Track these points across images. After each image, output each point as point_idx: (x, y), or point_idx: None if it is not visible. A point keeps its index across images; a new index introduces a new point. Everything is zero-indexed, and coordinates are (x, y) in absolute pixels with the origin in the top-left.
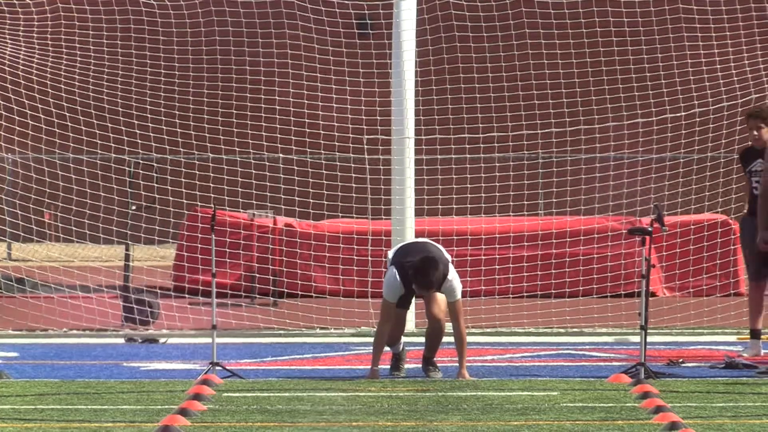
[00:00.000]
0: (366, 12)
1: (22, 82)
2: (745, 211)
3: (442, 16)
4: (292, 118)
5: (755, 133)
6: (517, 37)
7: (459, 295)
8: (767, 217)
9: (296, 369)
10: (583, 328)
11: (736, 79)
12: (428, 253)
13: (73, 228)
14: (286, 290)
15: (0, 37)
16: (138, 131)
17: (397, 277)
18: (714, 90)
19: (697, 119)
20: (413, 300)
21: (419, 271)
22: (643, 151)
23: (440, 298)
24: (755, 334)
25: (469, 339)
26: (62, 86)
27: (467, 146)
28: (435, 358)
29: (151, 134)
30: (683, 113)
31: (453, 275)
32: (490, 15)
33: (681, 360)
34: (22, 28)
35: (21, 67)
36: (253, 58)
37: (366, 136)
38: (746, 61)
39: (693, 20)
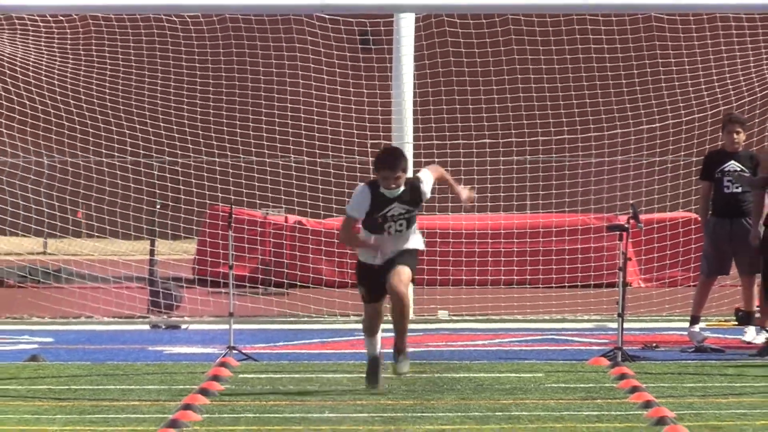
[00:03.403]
0: (368, 29)
1: (58, 89)
2: (711, 212)
3: (437, 32)
4: (303, 124)
5: (734, 136)
6: (505, 53)
7: (432, 179)
8: (759, 215)
9: (306, 353)
10: (566, 316)
11: (705, 93)
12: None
13: (106, 226)
14: (298, 282)
15: (38, 51)
16: (164, 135)
17: (365, 187)
18: (686, 103)
19: (671, 129)
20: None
21: (381, 154)
22: (622, 156)
23: (403, 270)
24: (695, 320)
25: (463, 326)
26: (94, 95)
27: (461, 150)
28: (406, 348)
29: (177, 139)
30: (658, 123)
31: (425, 177)
32: (481, 32)
33: (655, 345)
34: (56, 42)
35: (57, 77)
36: (267, 68)
37: (369, 141)
38: (714, 77)
39: (666, 46)
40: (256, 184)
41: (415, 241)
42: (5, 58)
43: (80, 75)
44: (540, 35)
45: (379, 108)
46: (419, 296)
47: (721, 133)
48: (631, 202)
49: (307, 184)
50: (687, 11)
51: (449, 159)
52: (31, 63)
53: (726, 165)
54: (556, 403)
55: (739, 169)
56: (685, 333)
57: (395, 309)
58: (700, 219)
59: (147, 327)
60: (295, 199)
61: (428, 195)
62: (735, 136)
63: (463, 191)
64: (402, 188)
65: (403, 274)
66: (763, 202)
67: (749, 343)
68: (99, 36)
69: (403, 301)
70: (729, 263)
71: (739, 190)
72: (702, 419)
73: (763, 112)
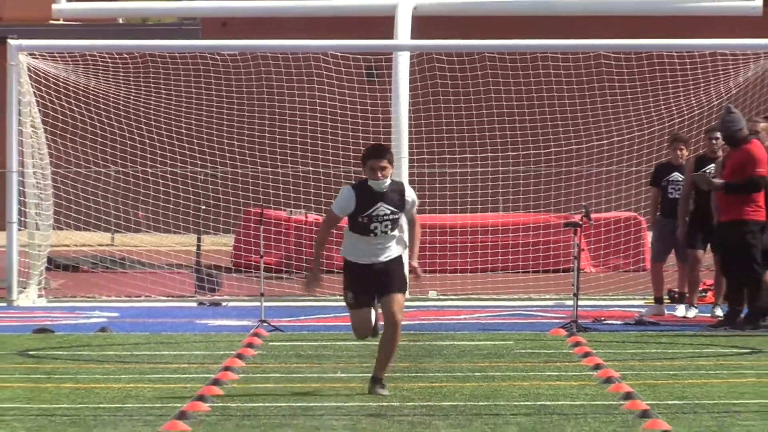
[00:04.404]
0: (372, 64)
1: (122, 113)
2: (659, 213)
3: (428, 66)
4: (320, 141)
5: (678, 152)
6: (483, 84)
7: (414, 209)
8: (685, 214)
9: (323, 325)
10: (531, 295)
11: (643, 116)
12: None
13: (161, 225)
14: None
15: (107, 82)
16: (207, 151)
17: (350, 188)
18: (627, 124)
19: (615, 145)
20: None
21: (369, 147)
22: (576, 167)
23: (399, 299)
24: (658, 300)
25: (449, 303)
26: (152, 119)
27: (447, 163)
28: (383, 376)
29: (217, 155)
30: (605, 141)
31: (410, 191)
32: (463, 66)
33: (603, 318)
34: (122, 75)
35: (122, 104)
36: (291, 96)
37: None
38: (651, 103)
39: (613, 79)
40: (281, 187)
41: (401, 247)
42: (80, 89)
43: (141, 102)
44: (511, 69)
45: (381, 129)
46: (413, 279)
47: (667, 150)
48: (583, 203)
49: (323, 189)
50: (629, 50)
51: (437, 170)
52: (101, 92)
53: (671, 175)
54: (524, 365)
55: (681, 179)
56: (626, 309)
57: (387, 333)
58: (649, 217)
59: (194, 304)
60: (312, 199)
61: (411, 209)
62: (679, 152)
63: (414, 262)
64: (388, 181)
65: (398, 303)
66: (687, 206)
67: (683, 317)
68: (156, 70)
69: (396, 329)
70: (668, 254)
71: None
72: (641, 379)
73: (689, 131)
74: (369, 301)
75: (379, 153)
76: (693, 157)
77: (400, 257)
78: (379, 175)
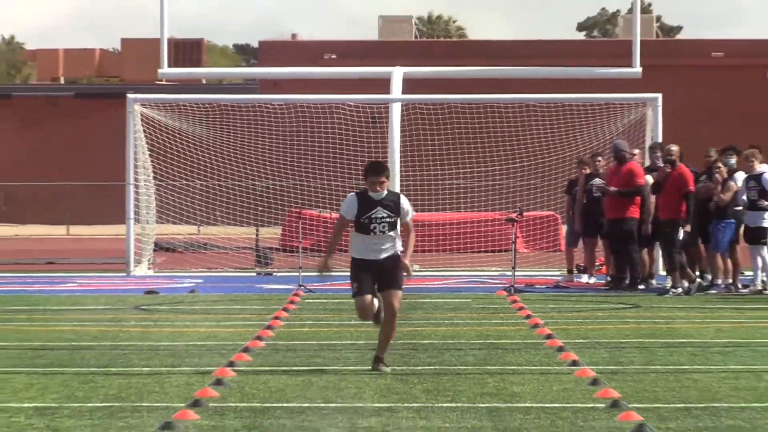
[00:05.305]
0: (375, 111)
1: (204, 144)
2: (570, 213)
3: (413, 113)
4: (338, 163)
5: (583, 171)
6: (450, 125)
7: (409, 218)
8: (581, 213)
9: (342, 288)
10: (483, 267)
11: (558, 145)
12: None
13: (231, 220)
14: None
15: (194, 124)
16: (261, 169)
17: (354, 195)
18: (548, 151)
19: (540, 166)
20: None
21: (369, 164)
22: (513, 180)
23: (398, 295)
24: (569, 272)
25: (427, 273)
26: (225, 147)
27: (426, 178)
28: (386, 357)
29: (268, 171)
30: (533, 162)
31: (405, 201)
32: (436, 113)
33: (533, 284)
34: (204, 117)
35: (204, 138)
36: (320, 134)
37: None
38: (564, 139)
39: (538, 120)
40: (313, 194)
41: (396, 247)
42: (176, 127)
43: (217, 136)
44: (469, 115)
45: (381, 155)
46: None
47: (575, 169)
48: (518, 205)
49: (342, 196)
50: (550, 102)
51: (418, 182)
52: (190, 130)
53: (576, 187)
54: (478, 315)
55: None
56: (548, 277)
57: (387, 319)
58: (564, 216)
59: (254, 274)
60: (335, 203)
61: (406, 217)
62: (584, 171)
63: (406, 260)
64: (385, 193)
65: (397, 297)
66: (582, 207)
67: (587, 283)
68: (227, 115)
69: (395, 317)
70: (577, 240)
71: (584, 201)
72: (558, 324)
73: (591, 156)
74: (370, 290)
75: (379, 170)
76: (583, 174)
77: (397, 255)
78: (378, 188)
